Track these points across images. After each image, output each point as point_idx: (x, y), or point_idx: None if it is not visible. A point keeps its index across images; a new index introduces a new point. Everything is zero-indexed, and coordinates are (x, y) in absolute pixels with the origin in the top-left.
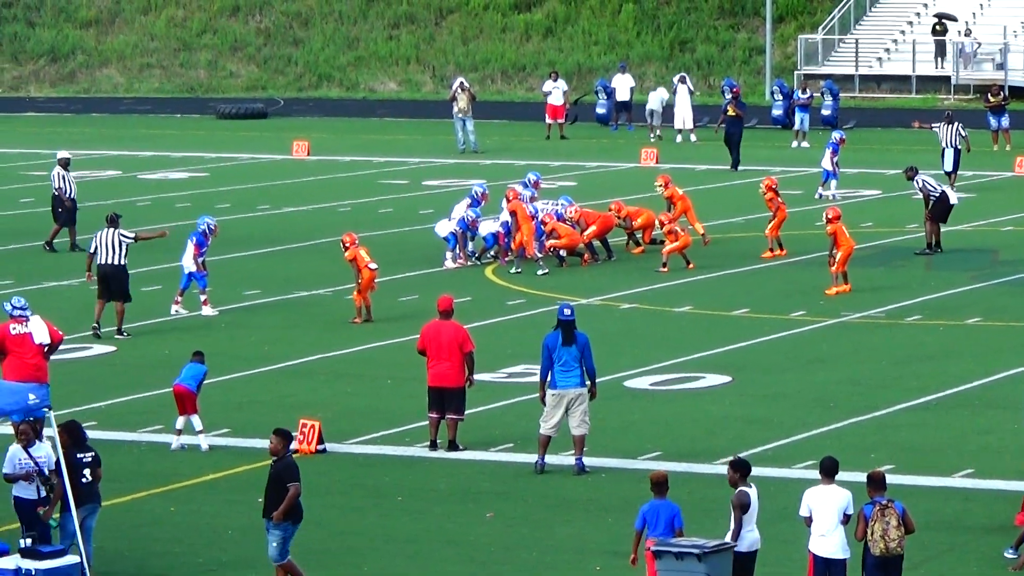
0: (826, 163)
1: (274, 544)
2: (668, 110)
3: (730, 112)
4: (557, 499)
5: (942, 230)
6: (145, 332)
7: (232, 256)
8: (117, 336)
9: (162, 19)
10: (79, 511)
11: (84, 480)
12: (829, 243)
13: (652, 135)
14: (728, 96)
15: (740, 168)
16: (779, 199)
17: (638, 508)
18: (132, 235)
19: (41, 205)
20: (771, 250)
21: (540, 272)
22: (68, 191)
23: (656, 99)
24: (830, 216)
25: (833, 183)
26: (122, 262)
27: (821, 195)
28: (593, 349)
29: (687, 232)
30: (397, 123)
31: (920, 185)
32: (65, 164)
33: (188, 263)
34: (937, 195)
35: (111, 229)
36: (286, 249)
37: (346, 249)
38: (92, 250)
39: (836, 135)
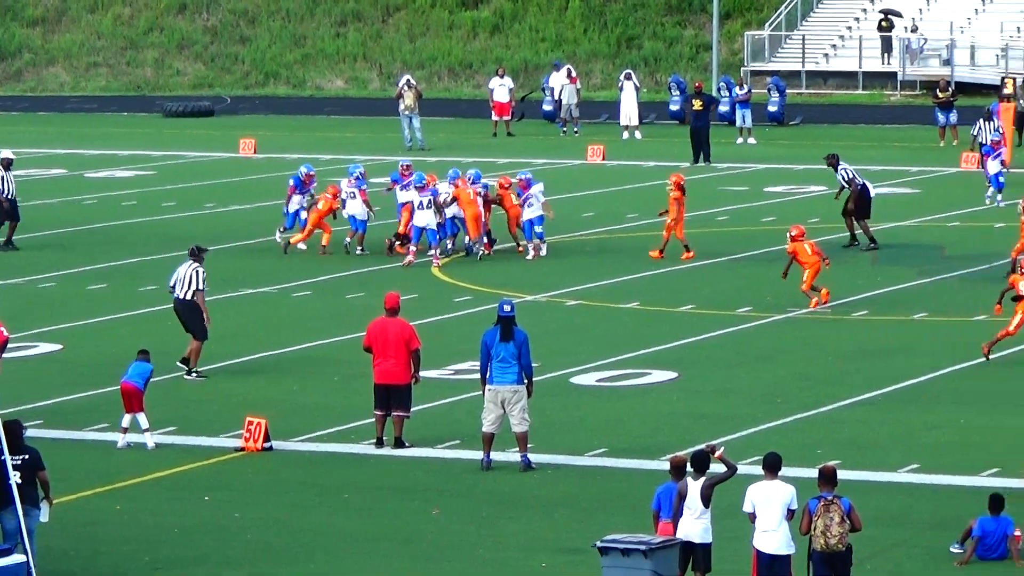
0: (991, 168)
1: None
2: (615, 106)
3: (696, 106)
4: (504, 496)
5: (890, 225)
6: (90, 330)
7: (177, 255)
8: (187, 377)
9: (109, 17)
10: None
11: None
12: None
13: (564, 129)
14: (678, 92)
15: (701, 163)
16: (684, 197)
17: (585, 505)
18: (199, 285)
19: None
20: (688, 249)
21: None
22: (6, 191)
23: (569, 92)
24: (793, 233)
25: (993, 191)
26: (191, 298)
27: (999, 203)
28: (539, 346)
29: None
30: (344, 121)
31: (849, 175)
32: (7, 164)
33: (357, 210)
34: (859, 186)
35: (191, 262)
36: (233, 247)
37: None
38: (172, 284)
39: (994, 137)
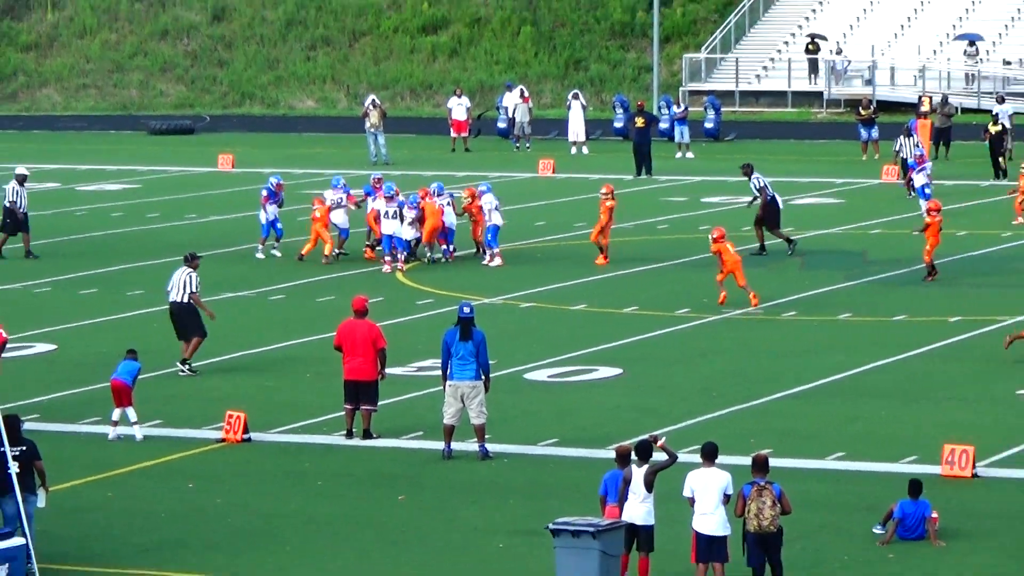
0: (918, 181)
1: None
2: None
3: (638, 124)
4: (463, 483)
5: (817, 233)
6: (82, 332)
7: (162, 262)
8: (180, 364)
9: (97, 43)
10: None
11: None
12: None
13: (517, 145)
14: (622, 110)
15: (643, 176)
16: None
17: (538, 492)
18: (193, 288)
19: None
20: (604, 255)
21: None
22: (21, 204)
23: (522, 111)
24: (715, 236)
25: (922, 202)
26: (187, 300)
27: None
28: (495, 344)
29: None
30: (314, 138)
31: (761, 184)
32: (22, 180)
33: (340, 219)
34: (769, 197)
35: (185, 267)
36: (212, 255)
37: None
38: (169, 288)
39: (917, 152)
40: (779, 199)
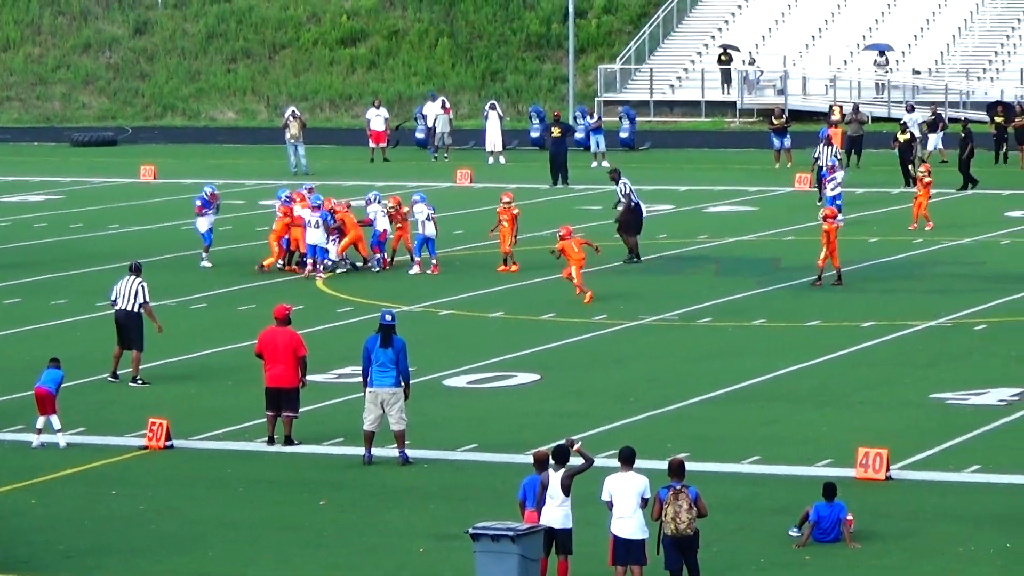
0: (829, 191)
1: None
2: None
3: (555, 133)
4: (384, 488)
5: (730, 240)
6: (6, 340)
7: (85, 271)
8: (132, 384)
9: (20, 56)
10: None
11: None
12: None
13: (435, 155)
14: (538, 120)
15: (559, 184)
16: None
17: (457, 496)
18: (145, 298)
19: None
20: (505, 264)
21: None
22: None
23: (442, 121)
24: (561, 233)
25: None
26: (136, 309)
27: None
28: (415, 352)
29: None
30: (235, 148)
31: (627, 191)
32: None
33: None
34: (634, 204)
35: (133, 277)
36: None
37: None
38: (113, 298)
39: (830, 162)
40: (643, 207)
